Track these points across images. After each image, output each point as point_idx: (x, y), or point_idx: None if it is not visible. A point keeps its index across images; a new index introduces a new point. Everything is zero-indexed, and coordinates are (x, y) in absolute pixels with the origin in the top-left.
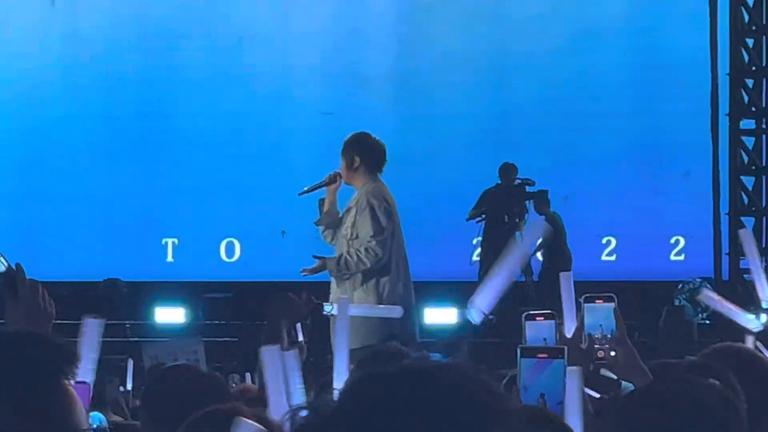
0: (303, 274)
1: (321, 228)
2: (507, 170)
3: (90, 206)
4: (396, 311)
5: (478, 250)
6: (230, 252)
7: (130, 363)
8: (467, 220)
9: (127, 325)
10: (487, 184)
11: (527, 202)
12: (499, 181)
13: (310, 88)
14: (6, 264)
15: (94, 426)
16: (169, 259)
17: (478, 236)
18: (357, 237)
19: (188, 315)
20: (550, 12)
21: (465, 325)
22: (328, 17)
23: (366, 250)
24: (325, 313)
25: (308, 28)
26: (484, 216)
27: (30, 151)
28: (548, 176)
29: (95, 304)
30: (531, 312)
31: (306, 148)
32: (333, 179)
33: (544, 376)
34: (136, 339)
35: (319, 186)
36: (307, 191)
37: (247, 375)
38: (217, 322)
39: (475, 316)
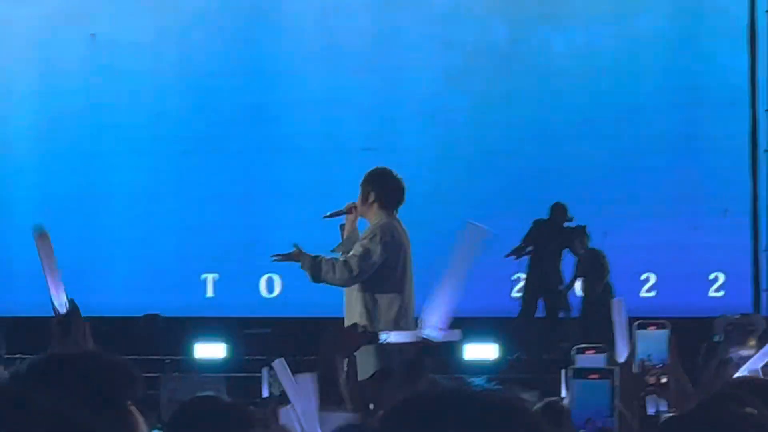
0: (274, 259)
1: (339, 254)
2: (558, 209)
3: (130, 241)
4: (456, 335)
5: (519, 285)
6: (270, 287)
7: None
8: (506, 256)
9: (167, 361)
10: (527, 221)
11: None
12: (546, 218)
13: (351, 124)
14: (71, 306)
15: None
16: (209, 294)
17: (517, 272)
18: None
19: (228, 350)
20: (591, 51)
21: (503, 360)
22: (369, 52)
23: (344, 262)
24: (381, 341)
25: (348, 64)
26: (527, 252)
27: (70, 187)
28: (588, 212)
29: (134, 340)
30: (581, 346)
31: (347, 184)
32: (350, 209)
33: (593, 397)
34: (176, 374)
35: (340, 213)
36: (330, 216)
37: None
38: (257, 357)
39: (433, 334)
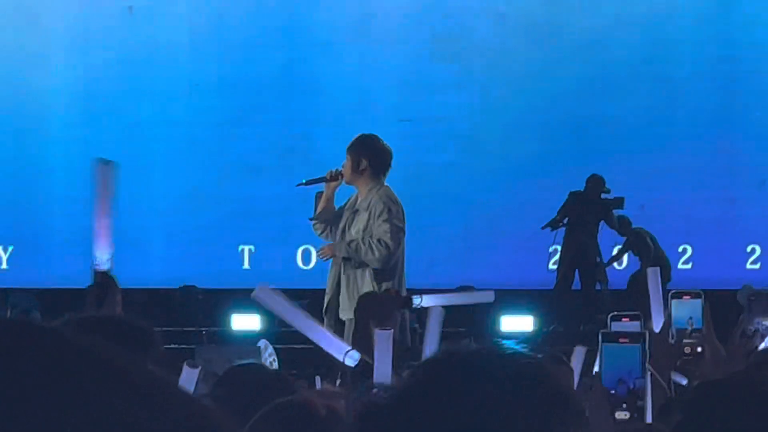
0: (321, 257)
1: (314, 223)
2: (594, 181)
3: (167, 213)
4: (489, 295)
5: (555, 257)
6: (306, 259)
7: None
8: (543, 228)
9: (203, 332)
10: (563, 192)
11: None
12: (582, 190)
13: (388, 95)
14: (110, 267)
15: None
16: (246, 266)
17: (554, 244)
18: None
19: (264, 322)
20: (628, 23)
21: (539, 332)
22: (407, 23)
23: (379, 241)
24: (415, 305)
25: (384, 35)
26: (563, 224)
27: (107, 156)
28: (625, 185)
29: (171, 311)
30: (617, 314)
31: None
32: (335, 177)
33: (624, 360)
34: (212, 345)
35: (319, 181)
36: (306, 184)
37: (317, 380)
38: (292, 329)
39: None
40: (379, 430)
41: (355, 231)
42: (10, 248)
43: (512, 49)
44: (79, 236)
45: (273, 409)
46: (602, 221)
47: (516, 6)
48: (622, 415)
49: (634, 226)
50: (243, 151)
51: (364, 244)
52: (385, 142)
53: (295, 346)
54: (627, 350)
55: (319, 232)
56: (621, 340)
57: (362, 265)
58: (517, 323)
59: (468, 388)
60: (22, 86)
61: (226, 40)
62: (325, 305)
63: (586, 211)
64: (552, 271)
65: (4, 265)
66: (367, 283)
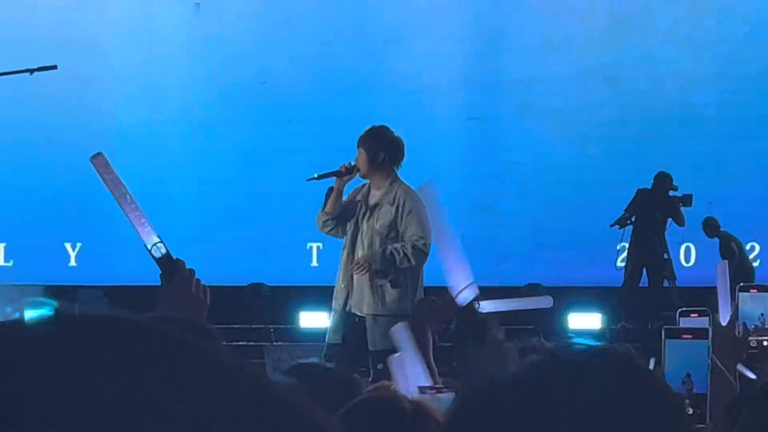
0: (355, 272)
1: (325, 219)
2: (662, 178)
3: (235, 211)
4: (547, 301)
5: (623, 255)
6: None
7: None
8: (611, 226)
9: (271, 330)
10: (631, 190)
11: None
12: (650, 188)
13: (455, 92)
14: (165, 250)
15: None
16: (314, 263)
17: (622, 242)
18: (394, 235)
19: None
20: (692, 21)
21: (607, 329)
22: (472, 21)
23: (413, 247)
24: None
25: (452, 32)
26: (631, 221)
27: (176, 155)
28: (692, 181)
29: (239, 309)
30: (684, 309)
31: (452, 152)
32: (350, 170)
33: (688, 357)
34: (281, 343)
35: (332, 175)
36: (317, 178)
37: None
38: None
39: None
40: (476, 429)
41: (379, 225)
42: (79, 245)
43: (582, 46)
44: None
45: (358, 405)
46: (670, 218)
47: (581, 1)
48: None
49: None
50: (311, 148)
51: (398, 253)
52: (396, 134)
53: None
54: (691, 346)
55: (329, 228)
56: (684, 336)
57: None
58: (584, 321)
59: (573, 386)
60: (88, 82)
61: (293, 36)
62: (343, 299)
63: (654, 208)
64: (620, 268)
65: (73, 263)
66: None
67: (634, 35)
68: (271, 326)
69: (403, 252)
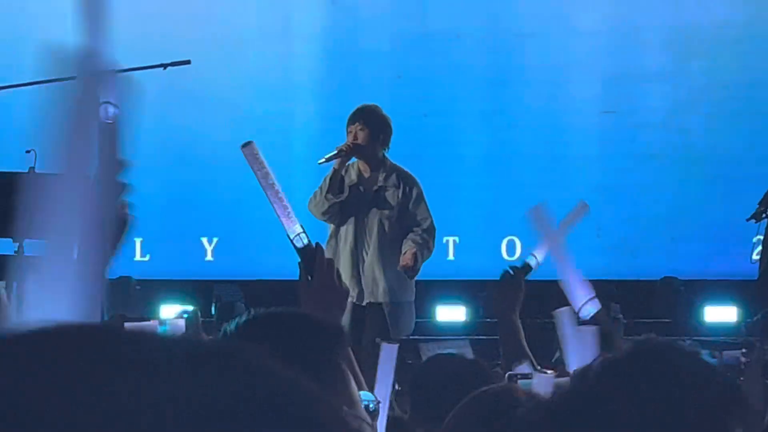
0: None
1: (330, 204)
2: None
3: None
4: (583, 207)
5: (758, 248)
6: (511, 250)
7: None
8: (747, 220)
9: None
10: (763, 184)
11: None
12: None
13: (589, 86)
14: (308, 240)
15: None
16: (450, 257)
17: (758, 235)
18: (405, 219)
19: (468, 313)
20: None
21: (743, 322)
22: (608, 15)
23: (428, 232)
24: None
25: (584, 26)
26: (766, 215)
27: (310, 148)
28: None
29: None
30: None
31: (584, 146)
32: (354, 151)
33: None
34: (415, 337)
35: (335, 157)
36: (326, 161)
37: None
38: (494, 319)
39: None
40: (567, 419)
41: (389, 211)
42: (215, 240)
43: (702, 42)
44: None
45: (473, 399)
46: None
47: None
48: None
49: None
50: (448, 142)
51: (421, 243)
52: None
53: (495, 336)
54: None
55: (330, 215)
56: None
57: (399, 246)
58: (720, 314)
59: (655, 383)
60: (222, 78)
61: (429, 30)
62: (356, 292)
63: None
64: (756, 261)
65: (209, 257)
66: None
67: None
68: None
69: (425, 240)
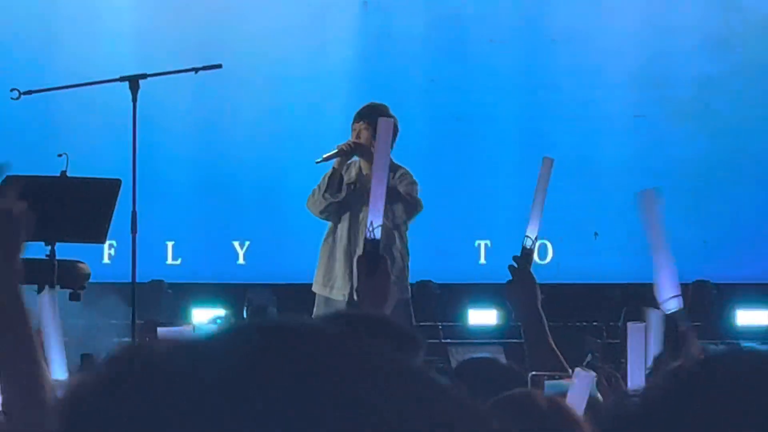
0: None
1: (328, 203)
2: None
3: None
4: (548, 162)
5: None
6: (543, 254)
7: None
8: None
9: (440, 327)
10: None
11: None
12: None
13: (621, 90)
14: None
15: None
16: (482, 261)
17: None
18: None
19: (500, 317)
20: None
21: None
22: (640, 20)
23: (411, 195)
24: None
25: (617, 30)
26: None
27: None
28: None
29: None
30: None
31: (616, 149)
32: (353, 149)
33: None
34: (449, 341)
35: (336, 156)
36: (324, 160)
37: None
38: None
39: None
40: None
41: (389, 212)
42: (247, 243)
43: (738, 44)
44: (315, 231)
45: (494, 404)
46: None
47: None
48: None
49: None
50: (480, 146)
51: (412, 195)
52: None
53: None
54: None
55: (328, 213)
56: None
57: (394, 245)
58: (753, 317)
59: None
60: (255, 82)
61: (462, 34)
62: (347, 289)
63: None
64: None
65: (241, 261)
66: (399, 258)
67: None
68: (440, 324)
69: (403, 196)
